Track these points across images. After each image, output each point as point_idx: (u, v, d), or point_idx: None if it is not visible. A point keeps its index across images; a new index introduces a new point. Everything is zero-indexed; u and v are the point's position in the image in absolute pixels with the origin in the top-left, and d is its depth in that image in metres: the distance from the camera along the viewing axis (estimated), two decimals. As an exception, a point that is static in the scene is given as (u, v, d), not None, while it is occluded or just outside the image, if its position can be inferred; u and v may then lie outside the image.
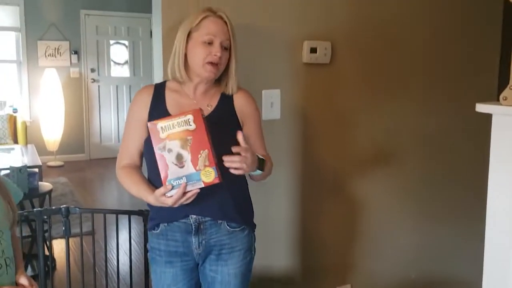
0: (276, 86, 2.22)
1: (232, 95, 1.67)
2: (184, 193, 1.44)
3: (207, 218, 1.59)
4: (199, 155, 1.42)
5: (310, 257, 2.47)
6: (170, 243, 1.63)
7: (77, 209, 2.17)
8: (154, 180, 1.56)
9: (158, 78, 2.06)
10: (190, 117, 1.42)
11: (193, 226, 1.59)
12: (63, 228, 2.15)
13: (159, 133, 1.43)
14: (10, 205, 1.51)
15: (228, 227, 1.62)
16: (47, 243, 2.76)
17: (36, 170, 3.57)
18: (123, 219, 2.38)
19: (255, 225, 1.75)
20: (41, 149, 6.39)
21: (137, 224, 3.07)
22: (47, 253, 3.03)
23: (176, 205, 1.46)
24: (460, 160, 2.83)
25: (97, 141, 7.29)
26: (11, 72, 6.90)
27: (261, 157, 1.58)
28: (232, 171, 1.46)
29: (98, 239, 3.61)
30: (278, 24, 2.19)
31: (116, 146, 7.33)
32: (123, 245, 3.53)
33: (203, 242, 1.61)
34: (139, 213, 2.17)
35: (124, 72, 7.48)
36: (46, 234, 3.03)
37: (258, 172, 1.58)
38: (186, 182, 1.43)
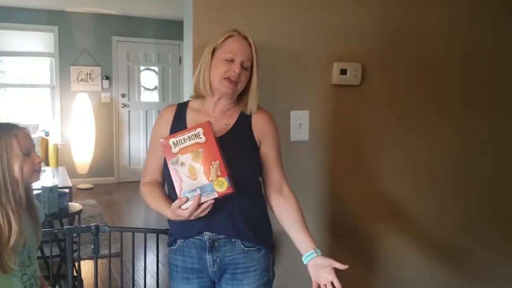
0: (304, 107, 2.22)
1: (251, 115, 1.67)
2: (199, 205, 1.45)
3: (221, 236, 1.59)
4: (211, 166, 1.45)
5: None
6: (186, 259, 1.64)
7: (106, 227, 2.18)
8: (173, 195, 1.57)
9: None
10: (200, 130, 1.46)
11: (207, 243, 1.60)
12: (92, 246, 2.16)
13: (171, 148, 1.48)
14: (38, 228, 1.55)
15: (242, 246, 1.61)
16: (75, 263, 2.77)
17: (67, 190, 3.62)
18: (151, 241, 2.38)
19: (274, 245, 1.71)
20: (72, 172, 6.51)
21: (164, 247, 3.07)
22: (75, 273, 3.04)
23: (192, 217, 1.47)
24: (504, 185, 2.75)
25: (126, 164, 7.38)
26: (44, 97, 7.09)
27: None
28: None
29: (125, 260, 3.62)
30: (308, 45, 2.20)
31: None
32: (149, 267, 3.53)
33: (218, 260, 1.60)
34: (167, 232, 2.16)
35: (153, 97, 7.61)
36: (75, 254, 3.05)
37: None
38: (200, 194, 1.45)
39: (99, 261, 3.81)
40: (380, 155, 2.44)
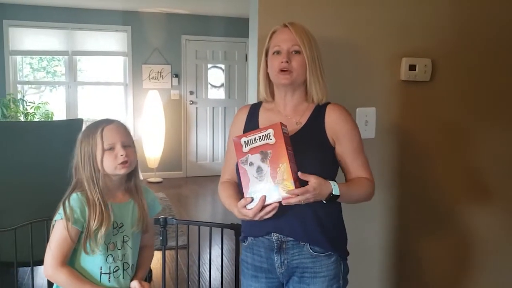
0: (371, 104, 2.18)
1: (324, 112, 1.62)
2: (264, 207, 1.46)
3: (289, 238, 1.57)
4: (278, 169, 1.44)
5: None
6: (255, 257, 1.64)
7: (174, 220, 2.26)
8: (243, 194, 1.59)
9: (252, 100, 2.11)
10: (270, 131, 1.46)
11: (275, 244, 1.58)
12: (160, 238, 2.24)
13: (242, 147, 1.49)
14: (143, 215, 1.63)
15: (311, 251, 1.57)
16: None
17: (138, 184, 3.77)
18: (216, 235, 2.43)
19: (348, 252, 1.65)
20: (143, 166, 6.78)
21: (229, 240, 3.12)
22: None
23: (256, 218, 1.48)
24: None
25: (193, 160, 7.57)
26: (118, 94, 7.42)
27: (335, 192, 1.48)
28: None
29: (192, 252, 3.72)
30: (374, 40, 2.16)
31: (210, 165, 7.57)
32: (215, 260, 3.61)
33: (285, 262, 1.59)
34: (231, 226, 2.20)
35: (220, 94, 7.75)
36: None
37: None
38: (265, 195, 1.45)
39: (167, 252, 3.96)
40: (452, 155, 2.34)
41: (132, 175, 1.64)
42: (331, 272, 1.59)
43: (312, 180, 1.44)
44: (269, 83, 1.68)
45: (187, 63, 7.42)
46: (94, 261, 1.55)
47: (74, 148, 1.58)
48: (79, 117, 6.91)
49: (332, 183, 1.49)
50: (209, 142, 7.64)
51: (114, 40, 7.13)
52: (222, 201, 1.69)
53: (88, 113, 7.90)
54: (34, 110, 6.39)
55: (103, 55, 7.23)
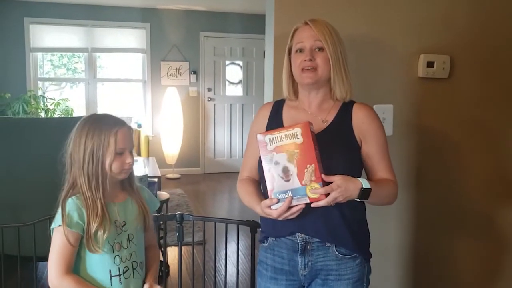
0: (388, 101, 2.16)
1: (351, 111, 1.59)
2: (289, 208, 1.42)
3: (314, 239, 1.53)
4: (306, 170, 1.39)
5: None
6: (276, 258, 1.60)
7: (190, 216, 2.27)
8: (266, 192, 1.55)
9: (268, 96, 2.11)
10: (298, 130, 1.40)
11: (300, 246, 1.55)
12: (177, 234, 2.26)
13: (267, 145, 1.43)
14: (143, 211, 1.61)
15: (337, 252, 1.54)
16: (162, 249, 2.92)
17: (156, 180, 3.81)
18: (233, 231, 2.44)
19: (371, 254, 1.62)
20: (161, 162, 6.83)
21: (245, 237, 3.13)
22: (162, 258, 3.20)
23: (280, 219, 1.44)
24: None
25: (211, 156, 7.61)
26: (137, 90, 7.49)
27: (366, 186, 1.44)
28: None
29: (208, 248, 3.75)
30: (391, 36, 2.13)
31: (228, 161, 7.60)
32: (231, 256, 3.63)
33: (309, 264, 1.55)
34: (247, 223, 2.21)
35: (237, 91, 7.76)
36: (162, 241, 3.21)
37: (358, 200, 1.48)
38: (292, 197, 1.41)
39: (185, 248, 4.00)
40: (472, 153, 2.31)
41: (132, 173, 1.61)
42: (355, 275, 1.56)
43: (336, 178, 1.40)
44: (293, 82, 1.65)
45: (205, 60, 7.45)
46: (102, 265, 1.51)
47: (69, 139, 1.53)
48: (98, 113, 6.98)
49: (360, 179, 1.46)
50: (227, 139, 7.67)
51: (133, 37, 7.19)
52: (241, 198, 1.66)
53: (107, 110, 7.99)
54: (55, 106, 6.49)
55: (122, 52, 7.31)
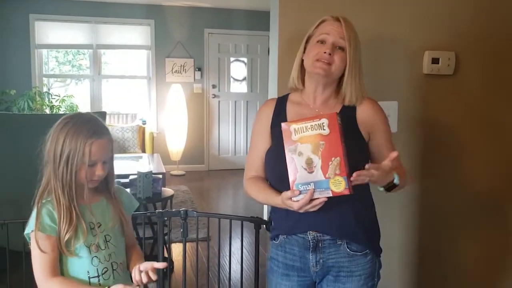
0: (393, 97, 2.15)
1: (355, 107, 1.59)
2: (311, 200, 1.39)
3: (326, 237, 1.54)
4: (330, 162, 1.34)
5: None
6: (287, 256, 1.60)
7: (195, 212, 2.28)
8: (274, 184, 1.56)
9: (272, 93, 2.10)
10: (324, 121, 1.35)
11: (311, 243, 1.55)
12: (181, 230, 2.27)
13: (291, 134, 1.39)
14: (117, 208, 1.59)
15: (348, 250, 1.54)
16: (167, 245, 2.93)
17: (160, 176, 3.82)
18: (237, 228, 2.45)
19: (381, 249, 1.63)
20: (166, 159, 6.84)
21: (250, 233, 3.14)
22: (166, 255, 3.21)
23: (301, 211, 1.41)
24: None
25: (215, 153, 7.61)
26: (142, 87, 7.50)
27: (396, 182, 1.45)
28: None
29: (213, 245, 3.75)
30: (397, 33, 2.13)
31: (232, 158, 7.60)
32: (235, 253, 3.63)
33: (321, 261, 1.55)
34: (251, 219, 2.21)
35: (242, 88, 7.76)
36: (166, 237, 3.22)
37: (381, 189, 1.48)
38: (314, 189, 1.37)
39: (189, 244, 4.01)
40: (476, 150, 2.30)
41: (111, 176, 1.58)
42: (367, 271, 1.56)
43: (388, 162, 1.39)
44: (301, 71, 1.63)
45: (209, 56, 7.45)
46: (80, 267, 1.49)
47: (49, 135, 1.49)
48: (103, 110, 7.01)
49: (395, 174, 1.46)
50: (231, 136, 7.67)
51: (137, 33, 7.19)
52: (254, 196, 1.63)
53: (112, 106, 8.02)
54: (59, 103, 6.51)
55: (127, 49, 7.31)
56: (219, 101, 7.58)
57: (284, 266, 1.61)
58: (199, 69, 7.39)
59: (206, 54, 7.42)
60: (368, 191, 1.61)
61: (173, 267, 3.71)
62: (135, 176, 3.50)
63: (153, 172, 3.81)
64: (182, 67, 7.32)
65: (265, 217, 2.20)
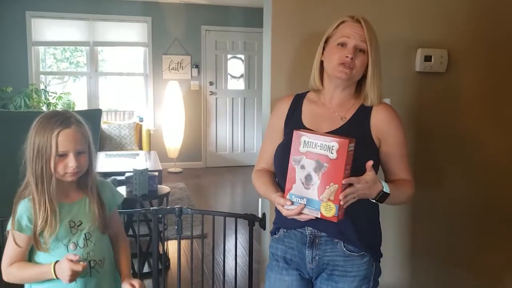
0: (385, 95, 2.13)
1: (370, 110, 1.58)
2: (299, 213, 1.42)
3: (322, 234, 1.55)
4: (328, 187, 1.35)
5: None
6: (287, 250, 1.62)
7: (189, 209, 2.29)
8: (281, 185, 1.57)
9: (266, 90, 2.11)
10: (335, 145, 1.34)
11: (308, 238, 1.56)
12: (176, 227, 2.28)
13: (300, 145, 1.39)
14: (99, 208, 1.59)
15: (344, 249, 1.54)
16: (162, 242, 2.94)
17: (156, 173, 3.82)
18: (232, 224, 2.46)
19: (381, 254, 1.63)
20: (163, 156, 6.85)
21: (246, 230, 3.15)
22: (161, 251, 3.22)
23: (288, 217, 1.46)
24: None
25: (213, 150, 7.62)
26: (139, 84, 7.50)
27: (386, 190, 1.45)
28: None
29: (209, 242, 3.77)
30: (389, 30, 2.13)
31: (229, 155, 7.61)
32: (231, 249, 3.65)
33: (317, 257, 1.56)
34: (245, 216, 2.23)
35: (239, 85, 7.76)
36: (162, 234, 3.23)
37: (373, 201, 1.47)
38: (305, 205, 1.40)
39: (186, 241, 4.02)
40: (469, 149, 2.31)
41: (85, 173, 1.58)
42: (362, 273, 1.56)
43: (369, 173, 1.39)
44: (321, 71, 1.63)
45: (206, 53, 7.45)
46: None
47: (27, 137, 1.52)
48: (100, 107, 7.01)
49: (382, 182, 1.45)
50: (229, 133, 7.68)
51: (134, 30, 7.18)
52: (257, 188, 1.66)
53: (109, 103, 8.02)
54: (56, 100, 6.50)
55: (124, 46, 7.31)
56: (216, 98, 7.58)
57: (283, 260, 1.63)
58: (196, 66, 7.39)
59: (203, 51, 7.42)
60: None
61: (169, 264, 3.72)
62: (131, 174, 3.51)
63: (149, 169, 3.82)
64: (179, 64, 7.32)
65: (259, 214, 2.21)
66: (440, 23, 2.19)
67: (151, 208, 2.39)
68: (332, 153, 1.34)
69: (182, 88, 7.25)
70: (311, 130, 1.49)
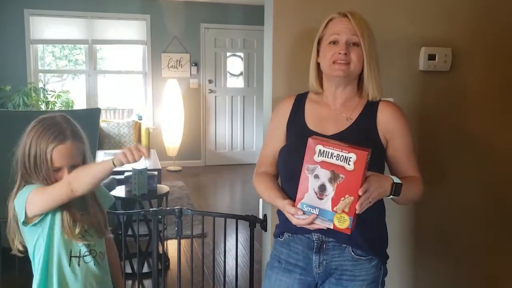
0: (389, 94, 2.11)
1: (376, 109, 1.55)
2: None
3: (330, 239, 1.51)
4: (343, 199, 1.31)
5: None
6: (291, 254, 1.58)
7: (189, 210, 2.27)
8: (285, 189, 1.54)
9: (268, 89, 2.09)
10: (353, 156, 1.30)
11: (315, 244, 1.53)
12: (175, 228, 2.25)
13: (315, 154, 1.33)
14: (100, 214, 1.61)
15: (353, 253, 1.51)
16: (162, 242, 2.92)
17: (156, 173, 3.80)
18: (233, 224, 2.43)
19: (388, 256, 1.60)
20: (162, 154, 6.83)
21: (246, 230, 3.13)
22: (160, 251, 3.20)
23: (298, 226, 1.41)
24: None
25: (212, 149, 7.60)
26: (137, 82, 7.47)
27: (397, 181, 1.41)
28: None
29: (210, 242, 3.75)
30: (393, 29, 2.11)
31: (229, 153, 7.59)
32: (231, 249, 3.63)
33: (324, 262, 1.53)
34: (246, 218, 2.20)
35: (238, 83, 7.74)
36: (161, 234, 3.21)
37: (391, 196, 1.43)
38: (317, 215, 1.35)
39: (187, 241, 4.00)
40: (474, 147, 2.29)
41: None
42: (370, 277, 1.53)
43: (369, 175, 1.35)
44: (318, 74, 1.60)
45: (206, 51, 7.42)
46: (66, 243, 1.53)
47: (22, 137, 1.54)
48: (99, 105, 6.97)
49: (388, 175, 1.43)
50: (228, 131, 7.65)
51: (133, 28, 7.15)
52: (259, 192, 1.62)
53: (108, 102, 7.99)
54: (55, 98, 6.48)
55: (123, 44, 7.28)
56: (215, 96, 7.56)
57: (287, 263, 1.59)
58: (196, 64, 7.36)
59: (202, 49, 7.39)
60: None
61: (168, 264, 3.70)
62: (130, 173, 3.48)
63: (148, 168, 3.79)
64: (178, 62, 7.29)
65: (261, 216, 2.18)
66: (444, 21, 2.16)
67: (151, 209, 2.36)
68: (349, 164, 1.30)
69: (181, 86, 7.22)
70: (326, 138, 1.42)
